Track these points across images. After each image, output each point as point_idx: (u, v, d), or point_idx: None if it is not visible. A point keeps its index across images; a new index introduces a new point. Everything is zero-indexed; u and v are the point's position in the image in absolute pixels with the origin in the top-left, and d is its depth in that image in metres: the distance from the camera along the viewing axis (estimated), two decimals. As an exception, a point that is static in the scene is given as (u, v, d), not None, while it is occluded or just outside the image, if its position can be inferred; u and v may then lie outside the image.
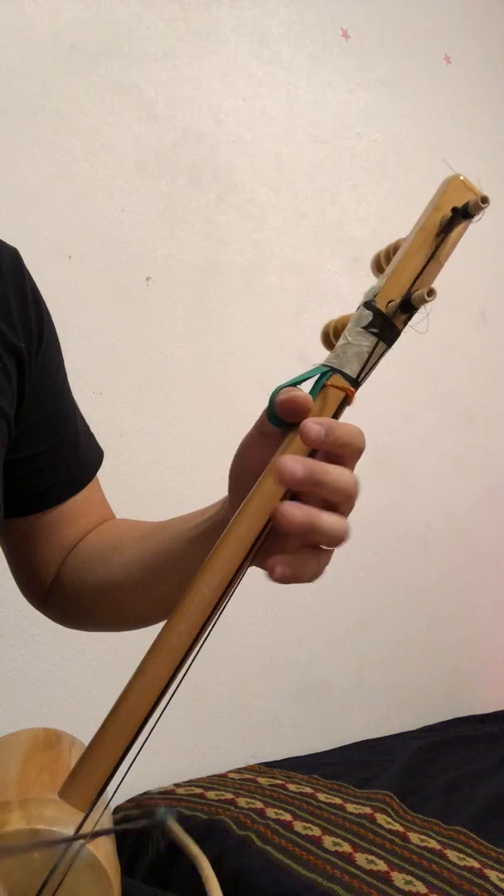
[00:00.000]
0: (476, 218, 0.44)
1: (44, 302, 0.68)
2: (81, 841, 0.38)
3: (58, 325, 0.71)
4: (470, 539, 1.99)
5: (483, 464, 2.01)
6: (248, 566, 0.43)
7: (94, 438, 0.75)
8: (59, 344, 0.71)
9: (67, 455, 0.70)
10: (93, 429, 0.76)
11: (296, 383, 0.45)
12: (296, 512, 0.42)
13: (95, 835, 0.38)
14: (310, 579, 0.45)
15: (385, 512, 1.78)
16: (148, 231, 1.41)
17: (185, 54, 1.46)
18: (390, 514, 1.80)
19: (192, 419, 1.45)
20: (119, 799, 1.33)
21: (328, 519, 0.42)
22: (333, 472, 0.42)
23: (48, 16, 1.28)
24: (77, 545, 0.71)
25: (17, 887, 0.37)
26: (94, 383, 1.32)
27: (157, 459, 1.42)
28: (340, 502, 0.44)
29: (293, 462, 0.41)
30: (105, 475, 0.76)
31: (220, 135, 1.51)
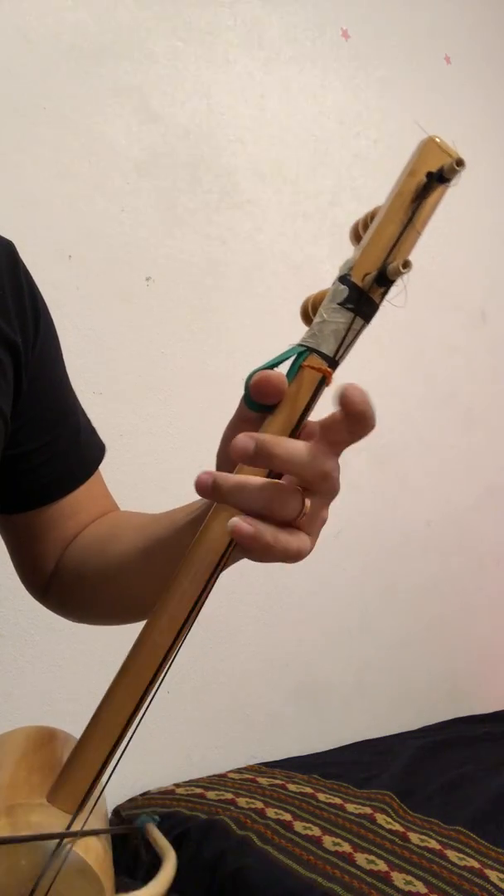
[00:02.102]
0: (452, 182, 0.42)
1: (40, 294, 0.68)
2: (68, 845, 0.37)
3: (58, 325, 0.71)
4: (470, 539, 1.99)
5: (483, 464, 2.01)
6: (230, 555, 0.42)
7: (96, 433, 0.75)
8: (56, 338, 0.70)
9: (66, 449, 0.70)
10: (92, 428, 0.76)
11: (272, 366, 0.44)
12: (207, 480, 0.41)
13: (84, 834, 0.37)
14: (287, 553, 0.42)
15: (385, 512, 1.78)
16: (148, 231, 1.41)
17: (185, 54, 1.46)
18: (390, 514, 1.80)
19: (192, 419, 1.45)
20: (119, 798, 1.33)
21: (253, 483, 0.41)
22: (284, 446, 0.40)
23: (48, 16, 1.28)
24: (77, 537, 0.71)
25: (4, 894, 0.36)
26: (94, 383, 1.32)
27: (157, 459, 1.42)
28: (309, 480, 0.42)
29: (245, 438, 0.40)
30: (105, 475, 0.75)
31: (220, 135, 1.51)
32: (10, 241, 0.67)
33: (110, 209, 1.36)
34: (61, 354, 0.71)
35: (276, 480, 0.42)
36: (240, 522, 0.40)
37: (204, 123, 1.49)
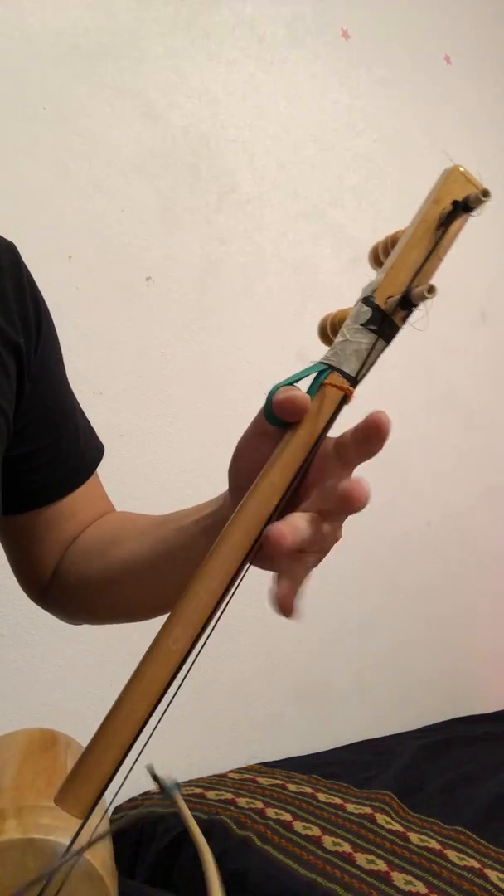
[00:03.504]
0: (476, 212, 0.43)
1: (42, 297, 0.68)
2: (77, 850, 0.37)
3: (58, 325, 0.71)
4: (470, 539, 1.99)
5: (483, 464, 2.01)
6: (246, 569, 0.43)
7: (95, 434, 0.75)
8: (57, 339, 0.71)
9: (67, 451, 0.70)
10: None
11: (293, 381, 0.44)
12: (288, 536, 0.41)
13: (90, 844, 0.37)
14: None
15: (385, 512, 1.78)
16: (148, 231, 1.41)
17: (185, 54, 1.46)
18: (390, 514, 1.80)
19: (192, 419, 1.45)
20: (119, 799, 1.33)
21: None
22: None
23: (48, 16, 1.28)
24: (76, 539, 0.71)
25: None
26: (94, 383, 1.32)
27: (157, 459, 1.42)
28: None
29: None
30: (105, 475, 0.75)
31: (220, 135, 1.51)
32: (13, 243, 0.67)
33: (110, 209, 1.36)
34: (62, 357, 0.71)
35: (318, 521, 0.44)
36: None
37: (204, 123, 1.48)
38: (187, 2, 1.46)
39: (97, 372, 1.33)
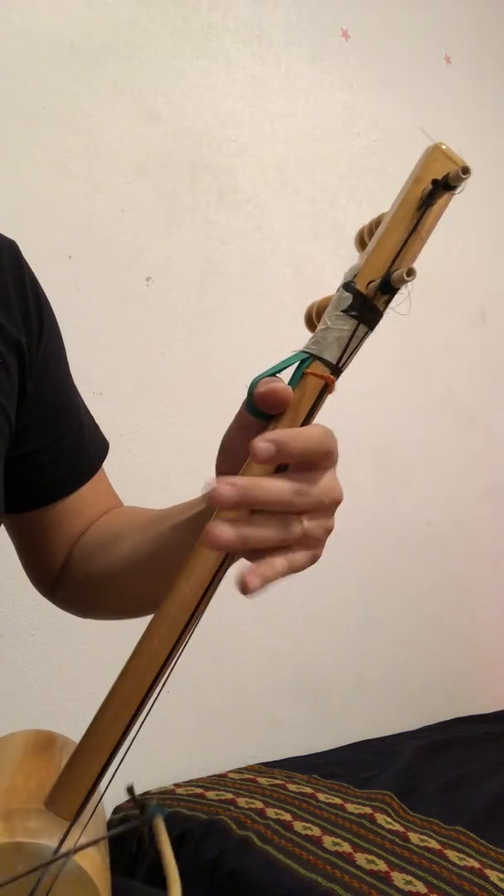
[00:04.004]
0: (458, 189, 0.42)
1: (44, 294, 0.68)
2: (67, 851, 0.37)
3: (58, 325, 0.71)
4: (470, 539, 1.99)
5: (483, 464, 2.01)
6: (229, 563, 0.42)
7: (99, 430, 0.75)
8: (60, 337, 0.71)
9: (71, 448, 0.70)
10: (94, 428, 0.76)
11: (275, 372, 0.44)
12: (227, 534, 0.39)
13: (77, 848, 0.37)
14: (296, 570, 0.43)
15: (385, 512, 1.78)
16: (148, 231, 1.41)
17: (184, 54, 1.46)
18: (390, 514, 1.80)
19: (192, 419, 1.45)
20: (119, 798, 1.33)
21: (257, 531, 0.40)
22: (263, 489, 0.40)
23: (48, 16, 1.28)
24: (83, 535, 0.71)
25: None
26: (94, 383, 1.32)
27: (157, 459, 1.42)
28: (313, 511, 0.42)
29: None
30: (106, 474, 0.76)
31: (220, 135, 1.51)
32: (14, 241, 0.67)
33: (110, 209, 1.36)
34: (65, 353, 0.72)
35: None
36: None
37: (204, 123, 1.48)
38: (187, 2, 1.46)
39: (97, 372, 1.33)
